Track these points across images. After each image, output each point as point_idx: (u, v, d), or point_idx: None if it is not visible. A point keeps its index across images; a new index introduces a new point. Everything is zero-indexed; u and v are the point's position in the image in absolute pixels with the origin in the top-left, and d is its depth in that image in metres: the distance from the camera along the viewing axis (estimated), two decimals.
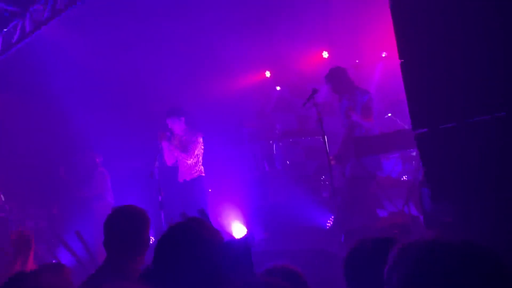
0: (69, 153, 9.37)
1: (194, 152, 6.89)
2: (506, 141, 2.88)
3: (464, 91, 3.03)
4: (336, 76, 6.32)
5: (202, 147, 7.02)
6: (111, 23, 8.01)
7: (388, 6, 3.35)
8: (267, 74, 10.53)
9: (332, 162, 6.29)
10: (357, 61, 8.54)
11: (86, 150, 8.86)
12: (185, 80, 9.43)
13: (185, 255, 1.85)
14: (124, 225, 2.79)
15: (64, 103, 8.77)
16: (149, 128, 8.13)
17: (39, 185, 9.19)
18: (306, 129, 8.96)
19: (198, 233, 1.90)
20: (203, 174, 7.01)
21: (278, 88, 10.59)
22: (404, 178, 7.51)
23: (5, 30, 7.49)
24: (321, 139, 6.12)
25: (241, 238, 6.31)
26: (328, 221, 6.52)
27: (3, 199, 8.15)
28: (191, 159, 6.87)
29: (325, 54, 9.68)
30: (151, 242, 2.89)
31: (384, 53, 9.02)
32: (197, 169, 6.94)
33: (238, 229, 7.54)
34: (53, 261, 6.68)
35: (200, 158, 7.01)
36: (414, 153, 6.94)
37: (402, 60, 3.25)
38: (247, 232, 7.45)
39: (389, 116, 8.40)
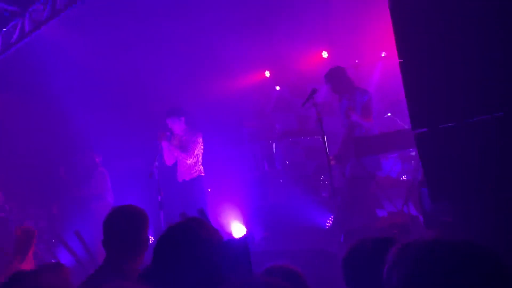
0: (69, 153, 9.36)
1: (194, 152, 6.89)
2: (505, 141, 2.88)
3: (463, 91, 3.03)
4: (336, 76, 6.33)
5: (202, 147, 7.03)
6: (111, 23, 8.01)
7: (388, 6, 3.36)
8: (267, 74, 10.53)
9: (332, 162, 6.29)
10: (356, 61, 8.54)
11: (86, 150, 8.85)
12: (185, 80, 9.43)
13: (184, 255, 1.85)
14: (123, 225, 2.78)
15: (64, 103, 8.76)
16: (149, 128, 8.13)
17: (38, 185, 9.19)
18: (306, 129, 8.96)
19: (197, 233, 1.90)
20: (203, 174, 7.01)
21: (277, 88, 10.59)
22: (404, 178, 7.52)
23: (4, 29, 7.49)
24: (321, 139, 6.12)
25: (239, 238, 6.31)
26: (328, 221, 6.52)
27: (3, 199, 8.15)
28: (191, 159, 6.88)
29: (325, 54, 9.69)
30: (150, 242, 2.89)
31: (384, 53, 9.02)
32: (196, 169, 6.95)
33: (237, 229, 7.54)
34: (53, 260, 6.68)
35: (200, 158, 7.01)
36: (413, 153, 6.94)
37: (401, 60, 3.25)
38: (246, 232, 7.44)
39: (388, 116, 8.41)
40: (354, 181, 6.07)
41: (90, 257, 5.73)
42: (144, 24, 8.27)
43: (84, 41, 8.37)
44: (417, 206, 5.59)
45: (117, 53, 8.64)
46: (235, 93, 9.97)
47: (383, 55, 9.07)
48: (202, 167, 7.04)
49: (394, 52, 3.37)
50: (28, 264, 3.79)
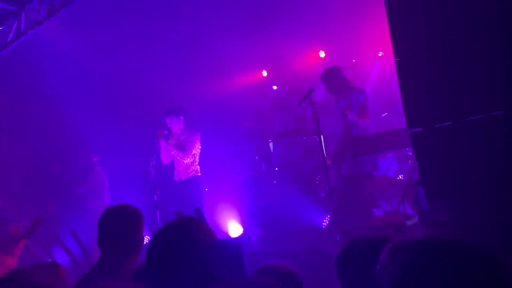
0: (66, 152, 9.34)
1: (192, 151, 6.88)
2: (501, 140, 2.89)
3: (459, 91, 3.04)
4: (332, 76, 6.33)
5: (200, 146, 7.02)
6: (108, 22, 7.99)
7: (384, 5, 3.36)
8: (264, 73, 10.53)
9: (328, 162, 6.29)
10: (353, 60, 8.55)
11: (83, 149, 8.84)
12: (182, 79, 9.42)
13: (177, 254, 1.85)
14: (118, 224, 2.78)
15: (61, 102, 8.75)
16: (146, 128, 8.12)
17: (35, 184, 9.16)
18: (303, 129, 8.96)
19: (190, 232, 1.90)
20: (199, 174, 7.00)
21: (275, 87, 10.59)
22: (400, 178, 7.53)
23: (0, 28, 7.46)
24: (318, 139, 6.12)
25: (233, 238, 6.32)
26: (324, 221, 6.52)
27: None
28: (188, 159, 6.87)
29: (322, 54, 9.70)
30: (145, 241, 2.89)
31: (381, 52, 9.04)
32: (193, 168, 6.94)
33: (234, 229, 7.53)
34: (49, 260, 6.67)
35: (197, 157, 7.00)
36: (410, 153, 6.95)
37: (397, 59, 3.26)
38: (243, 231, 7.44)
39: (385, 116, 8.42)
40: (351, 180, 6.08)
41: (86, 256, 5.73)
42: (141, 23, 8.26)
43: (82, 40, 8.36)
44: (413, 206, 5.60)
45: (114, 52, 8.62)
46: (232, 92, 9.97)
47: (380, 54, 9.09)
48: (199, 167, 7.03)
49: (391, 52, 3.37)
50: (12, 259, 3.82)
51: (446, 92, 3.09)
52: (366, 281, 1.60)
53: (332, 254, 4.50)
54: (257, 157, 9.37)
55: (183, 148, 6.87)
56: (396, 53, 3.27)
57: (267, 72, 10.51)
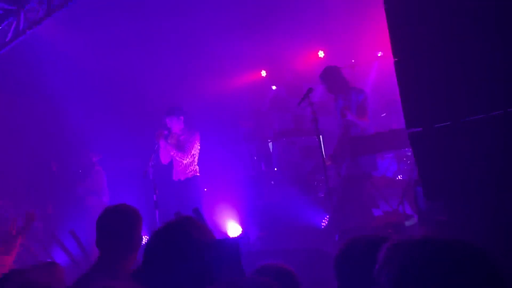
0: (65, 152, 9.35)
1: (191, 151, 6.87)
2: (500, 140, 2.89)
3: (458, 90, 3.04)
4: (331, 76, 6.33)
5: (199, 147, 7.01)
6: (108, 22, 7.99)
7: (383, 5, 3.36)
8: (263, 73, 10.53)
9: (328, 162, 6.29)
10: (353, 60, 8.55)
11: (83, 149, 8.84)
12: (181, 79, 9.42)
13: (174, 254, 1.85)
14: (116, 224, 2.78)
15: (61, 102, 8.75)
16: (146, 127, 8.12)
17: (34, 184, 9.17)
18: (302, 129, 8.96)
19: (188, 232, 1.90)
20: (198, 174, 6.99)
21: (274, 87, 10.59)
22: (399, 178, 7.53)
23: None
24: (317, 139, 6.12)
25: (231, 238, 6.32)
26: (323, 221, 6.52)
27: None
28: (187, 159, 6.86)
29: (321, 54, 9.70)
30: (144, 241, 2.89)
31: (380, 52, 9.04)
32: (192, 168, 6.93)
33: (233, 229, 7.53)
34: (48, 260, 6.67)
35: (196, 158, 6.99)
36: (409, 153, 6.96)
37: (396, 59, 3.26)
38: (242, 231, 7.44)
39: (384, 116, 8.42)
40: (350, 180, 6.08)
41: (85, 256, 5.72)
42: (140, 23, 8.26)
43: (81, 39, 8.36)
44: (412, 206, 5.60)
45: (114, 52, 8.63)
46: (231, 92, 9.97)
47: (379, 54, 9.09)
48: (197, 167, 7.02)
49: (390, 52, 3.37)
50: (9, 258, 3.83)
51: (445, 92, 3.09)
52: (365, 281, 1.59)
53: (331, 254, 4.50)
54: (256, 157, 9.38)
55: (183, 148, 6.86)
56: (395, 53, 3.28)
57: (266, 72, 10.51)
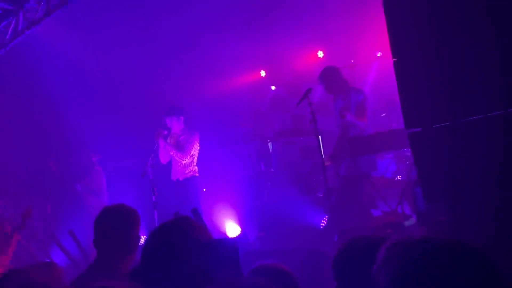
0: (65, 152, 9.34)
1: (190, 152, 6.86)
2: (499, 141, 2.89)
3: (457, 91, 3.04)
4: (330, 76, 6.32)
5: (198, 147, 7.00)
6: (108, 22, 7.99)
7: (382, 6, 3.36)
8: (263, 73, 10.53)
9: (327, 163, 6.28)
10: (352, 60, 8.55)
11: (82, 149, 8.83)
12: (180, 79, 9.42)
13: (171, 254, 1.85)
14: (114, 224, 2.79)
15: (60, 102, 8.75)
16: (145, 128, 8.11)
17: (34, 184, 9.16)
18: (302, 129, 8.96)
19: (186, 232, 1.90)
20: (197, 175, 6.98)
21: (273, 87, 10.59)
22: (399, 178, 7.53)
23: None
24: (316, 139, 6.12)
25: (229, 238, 6.32)
26: (322, 221, 6.52)
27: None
28: (186, 159, 6.85)
29: (320, 54, 9.70)
30: (141, 241, 2.89)
31: (379, 52, 9.03)
32: (191, 169, 6.92)
33: (232, 229, 7.53)
34: (46, 260, 6.66)
35: (195, 158, 6.98)
36: (408, 153, 6.95)
37: (395, 59, 3.25)
38: (241, 231, 7.44)
39: (384, 116, 8.42)
40: (349, 181, 6.08)
41: (84, 256, 5.72)
42: (140, 23, 8.26)
43: (81, 39, 8.36)
44: (411, 206, 5.60)
45: (114, 52, 8.62)
46: (230, 92, 9.97)
47: (378, 55, 9.08)
48: (196, 167, 7.00)
49: (390, 52, 3.37)
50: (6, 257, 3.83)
51: (444, 92, 3.09)
52: (364, 282, 1.59)
53: (330, 254, 4.50)
54: (256, 157, 9.38)
55: (182, 148, 6.85)
56: (394, 53, 3.27)
57: (266, 72, 10.51)
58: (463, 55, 3.00)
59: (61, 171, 9.06)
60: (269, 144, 9.31)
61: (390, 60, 3.39)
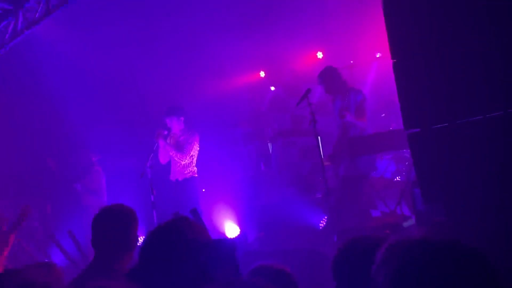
0: (65, 152, 9.33)
1: (190, 152, 6.85)
2: (498, 141, 2.89)
3: (456, 92, 3.04)
4: (329, 77, 6.32)
5: (198, 148, 6.99)
6: (107, 21, 7.99)
7: (381, 6, 3.36)
8: (262, 74, 10.53)
9: (326, 163, 6.28)
10: (351, 61, 8.56)
11: (82, 149, 8.82)
12: (180, 79, 9.42)
13: (169, 254, 1.86)
14: (112, 224, 2.79)
15: (60, 102, 8.74)
16: (145, 128, 8.11)
17: (33, 184, 9.15)
18: (301, 129, 8.97)
19: (184, 232, 1.90)
20: (196, 175, 6.96)
21: (272, 88, 10.59)
22: (398, 179, 7.54)
23: None
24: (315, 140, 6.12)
25: (227, 238, 6.31)
26: (321, 221, 6.53)
27: None
28: (186, 160, 6.84)
29: (320, 55, 9.70)
30: (140, 241, 2.90)
31: (379, 53, 9.04)
32: (190, 169, 6.91)
33: (231, 229, 7.53)
34: (45, 260, 6.65)
35: (195, 159, 6.97)
36: (407, 154, 6.96)
37: (395, 60, 3.26)
38: (240, 232, 7.44)
39: (383, 116, 8.43)
40: (348, 181, 6.08)
41: (82, 256, 5.71)
42: (140, 23, 8.27)
43: (80, 40, 8.36)
44: (410, 207, 5.60)
45: (113, 52, 8.62)
46: (230, 93, 9.97)
47: (378, 55, 9.09)
48: (196, 168, 6.99)
49: (389, 53, 3.37)
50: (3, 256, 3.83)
51: (443, 93, 3.09)
52: (363, 282, 1.59)
53: (329, 255, 4.50)
54: (255, 158, 9.38)
55: (182, 149, 6.84)
56: (394, 54, 3.28)
57: (265, 73, 10.51)
58: (462, 55, 3.01)
59: (61, 171, 9.05)
60: (269, 145, 9.31)
61: (389, 61, 3.39)
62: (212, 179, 8.18)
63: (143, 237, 2.81)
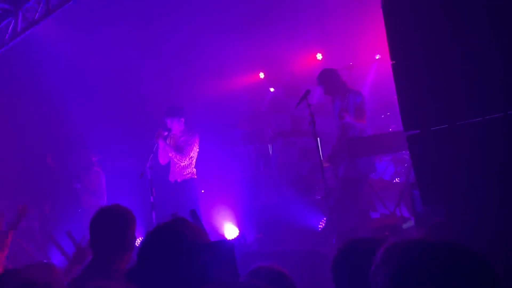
0: (65, 152, 9.33)
1: (189, 154, 6.83)
2: (497, 143, 2.90)
3: (456, 93, 3.04)
4: (329, 78, 6.33)
5: (198, 149, 6.98)
6: (107, 22, 7.99)
7: (381, 8, 3.37)
8: (261, 75, 10.53)
9: (325, 164, 6.29)
10: (351, 63, 8.57)
11: (82, 149, 8.82)
12: (179, 80, 9.43)
13: (167, 255, 1.85)
14: (110, 225, 2.80)
15: (60, 102, 8.75)
16: (145, 128, 8.11)
17: (32, 184, 9.15)
18: (300, 130, 8.97)
19: (182, 233, 1.90)
20: (195, 177, 6.94)
21: (272, 89, 10.59)
22: (397, 180, 7.54)
23: None
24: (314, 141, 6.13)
25: (226, 239, 6.32)
26: (321, 223, 6.53)
27: None
28: (185, 161, 6.83)
29: (319, 56, 9.70)
30: (138, 242, 2.90)
31: (378, 55, 9.05)
32: (189, 171, 6.89)
33: (230, 230, 7.53)
34: (44, 261, 6.65)
35: (194, 160, 6.95)
36: (406, 155, 6.97)
37: (394, 62, 3.26)
38: (239, 233, 7.44)
39: (382, 118, 8.44)
40: (347, 182, 6.08)
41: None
42: (140, 24, 8.27)
43: (80, 40, 8.35)
44: (409, 208, 5.61)
45: (113, 52, 8.62)
46: (229, 94, 9.97)
47: (377, 57, 9.10)
48: (195, 169, 6.97)
49: (388, 55, 3.38)
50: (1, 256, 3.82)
51: (442, 95, 3.10)
52: (362, 284, 1.59)
53: (328, 256, 4.50)
54: (255, 159, 9.38)
55: (181, 150, 6.83)
56: (393, 55, 3.28)
57: (265, 74, 10.51)
58: (461, 56, 3.01)
59: (61, 171, 9.05)
60: (269, 146, 9.31)
61: (388, 62, 3.40)
62: (211, 180, 8.17)
63: (141, 238, 2.81)
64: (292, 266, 2.47)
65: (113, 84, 9.17)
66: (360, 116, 6.09)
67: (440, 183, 3.15)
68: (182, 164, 6.82)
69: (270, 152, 9.26)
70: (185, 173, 6.86)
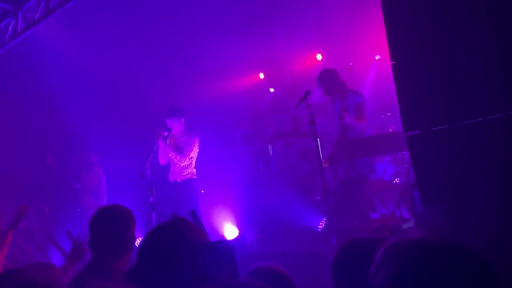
0: (65, 153, 9.33)
1: (189, 154, 6.83)
2: (497, 144, 2.90)
3: (456, 94, 3.04)
4: (329, 78, 6.33)
5: (197, 150, 6.97)
6: (107, 22, 7.99)
7: (381, 9, 3.37)
8: (261, 75, 10.54)
9: (325, 165, 6.28)
10: (351, 63, 8.57)
11: (82, 149, 8.82)
12: (179, 80, 9.43)
13: (167, 255, 1.85)
14: (109, 224, 2.80)
15: (60, 102, 8.75)
16: (144, 129, 8.11)
17: (32, 184, 9.15)
18: (300, 131, 8.97)
19: (182, 233, 1.90)
20: (195, 177, 6.93)
21: (272, 90, 10.59)
22: (397, 181, 7.54)
23: None
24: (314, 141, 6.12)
25: (226, 240, 6.31)
26: (320, 223, 6.52)
27: None
28: (185, 161, 6.83)
29: (319, 57, 9.70)
30: (137, 242, 2.90)
31: (378, 55, 9.05)
32: (189, 171, 6.88)
33: (230, 231, 7.52)
34: (44, 261, 6.65)
35: (194, 161, 6.94)
36: (407, 156, 6.97)
37: (394, 62, 3.26)
38: (239, 233, 7.43)
39: (382, 118, 8.44)
40: (347, 183, 6.07)
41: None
42: (139, 24, 8.27)
43: (80, 39, 8.36)
44: (409, 209, 5.60)
45: (113, 53, 8.62)
46: (229, 94, 9.97)
47: (377, 57, 9.10)
48: (195, 170, 6.96)
49: (388, 55, 3.38)
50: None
51: (442, 95, 3.10)
52: (362, 284, 1.59)
53: (328, 257, 4.50)
54: (255, 159, 9.38)
55: (181, 150, 6.82)
56: (393, 56, 3.28)
57: (264, 75, 10.51)
58: (461, 56, 3.01)
59: (61, 170, 9.04)
60: (269, 146, 9.30)
61: (388, 63, 3.40)
62: (211, 180, 8.16)
63: (141, 238, 2.81)
64: (292, 267, 2.46)
65: (113, 84, 9.17)
66: (360, 117, 6.09)
67: (440, 184, 3.15)
68: (182, 164, 6.82)
69: (270, 153, 9.25)
70: (185, 173, 6.86)
